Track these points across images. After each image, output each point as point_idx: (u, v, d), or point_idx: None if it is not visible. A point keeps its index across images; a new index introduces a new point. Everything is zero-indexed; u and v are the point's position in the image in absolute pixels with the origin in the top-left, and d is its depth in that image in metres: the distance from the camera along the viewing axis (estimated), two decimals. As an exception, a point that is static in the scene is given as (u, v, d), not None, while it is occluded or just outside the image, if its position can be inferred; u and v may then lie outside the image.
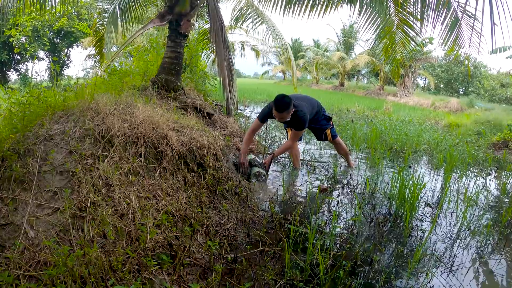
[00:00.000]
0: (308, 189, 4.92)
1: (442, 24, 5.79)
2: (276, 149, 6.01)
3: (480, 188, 5.90)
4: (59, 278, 2.30)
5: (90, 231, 2.70)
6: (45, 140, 3.45)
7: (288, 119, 5.19)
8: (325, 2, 7.28)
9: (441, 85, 42.86)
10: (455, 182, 6.14)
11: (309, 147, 8.19)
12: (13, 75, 30.78)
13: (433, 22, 5.22)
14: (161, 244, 2.88)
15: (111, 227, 2.78)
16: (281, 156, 6.87)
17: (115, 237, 2.74)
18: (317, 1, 7.31)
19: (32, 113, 3.86)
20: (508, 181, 6.72)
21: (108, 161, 3.42)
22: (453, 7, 5.73)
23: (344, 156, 6.48)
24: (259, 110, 15.60)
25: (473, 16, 5.66)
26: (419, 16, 5.89)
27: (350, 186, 5.39)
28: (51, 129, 3.62)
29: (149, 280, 2.51)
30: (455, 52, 6.37)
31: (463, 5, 5.60)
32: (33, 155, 3.23)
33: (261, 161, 5.58)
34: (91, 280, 2.29)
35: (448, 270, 3.30)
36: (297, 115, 5.23)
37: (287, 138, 5.97)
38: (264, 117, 5.47)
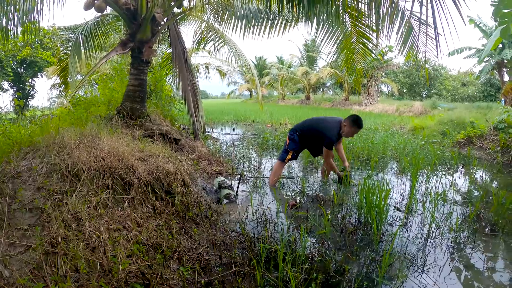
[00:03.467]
0: (277, 206, 5.00)
1: (397, 33, 5.99)
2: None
3: (448, 186, 6.09)
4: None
5: (63, 266, 2.73)
6: (13, 177, 3.45)
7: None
8: (283, 21, 7.45)
9: (404, 90, 43.68)
10: (423, 183, 6.32)
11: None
12: (-24, 108, 30.09)
13: (388, 32, 5.40)
14: (134, 274, 2.91)
15: (84, 261, 2.81)
16: (250, 175, 6.97)
17: (88, 270, 2.77)
18: (275, 21, 7.48)
19: (-2, 151, 3.86)
20: (474, 176, 6.95)
21: (76, 195, 3.44)
22: (406, 16, 5.93)
23: (328, 170, 6.66)
24: (227, 130, 15.67)
25: (425, 23, 5.88)
26: (374, 28, 6.08)
27: (318, 199, 5.48)
28: (18, 166, 3.63)
29: (124, 311, 2.55)
30: (413, 58, 6.58)
31: (409, 12, 5.83)
32: (2, 193, 3.23)
33: (230, 183, 5.66)
34: (66, 315, 2.33)
35: (421, 270, 3.41)
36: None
37: (286, 159, 6.45)
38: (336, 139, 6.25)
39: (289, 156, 6.30)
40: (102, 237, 3.10)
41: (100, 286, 2.65)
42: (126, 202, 3.79)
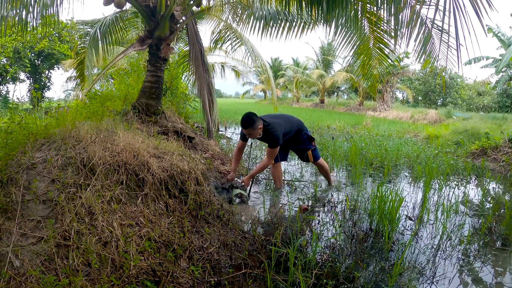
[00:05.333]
0: (289, 209, 4.98)
1: (415, 40, 5.95)
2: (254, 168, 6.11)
3: (460, 197, 6.04)
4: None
5: (75, 260, 2.74)
6: (28, 168, 3.47)
7: (259, 136, 5.51)
8: (301, 24, 7.45)
9: (419, 98, 43.36)
10: (435, 193, 6.27)
11: (290, 166, 8.26)
12: (-7, 97, 30.38)
13: (406, 38, 5.35)
14: (145, 270, 2.91)
15: (95, 256, 2.82)
16: (262, 177, 6.95)
17: (99, 265, 2.78)
18: (294, 23, 7.48)
19: (14, 141, 3.87)
20: (487, 188, 6.88)
21: (90, 189, 3.45)
22: (425, 23, 5.90)
23: (325, 176, 6.57)
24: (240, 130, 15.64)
25: (446, 32, 5.84)
26: (392, 34, 6.05)
27: (331, 204, 5.46)
28: (33, 157, 3.65)
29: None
30: (430, 65, 6.54)
31: (428, 19, 5.81)
32: (16, 184, 3.25)
33: (242, 183, 5.65)
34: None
35: (430, 282, 3.38)
36: (268, 132, 5.47)
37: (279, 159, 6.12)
38: (242, 135, 5.78)
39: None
40: (114, 233, 3.11)
41: (111, 281, 2.66)
42: (140, 199, 3.80)
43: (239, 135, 5.87)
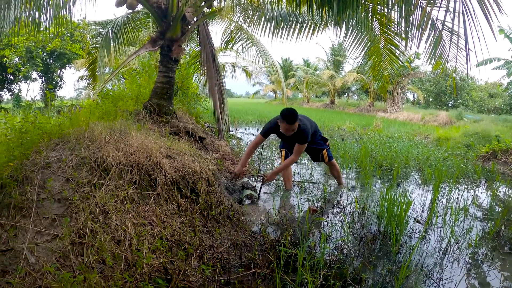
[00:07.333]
0: (298, 211, 5.02)
1: (426, 42, 5.97)
2: (277, 166, 6.11)
3: (469, 201, 6.03)
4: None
5: (90, 257, 2.79)
6: (43, 167, 3.54)
7: (292, 132, 5.41)
8: (312, 25, 7.49)
9: (430, 99, 43.07)
10: (444, 196, 6.26)
11: (299, 168, 8.28)
12: (5, 95, 30.71)
13: (417, 40, 5.36)
14: (157, 268, 2.96)
15: (109, 253, 2.87)
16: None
17: (113, 263, 2.83)
18: (304, 24, 7.52)
19: (28, 140, 3.94)
20: (497, 192, 6.86)
21: (104, 189, 3.51)
22: (436, 25, 5.90)
23: (337, 177, 6.61)
24: (251, 131, 15.65)
25: (456, 33, 5.84)
26: (403, 35, 6.06)
27: (340, 206, 5.49)
28: (48, 156, 3.71)
29: (146, 304, 2.61)
30: (441, 67, 6.53)
31: (439, 21, 5.80)
32: (31, 182, 3.32)
33: (253, 184, 5.69)
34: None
35: (437, 285, 3.39)
36: (300, 128, 5.45)
37: (281, 159, 6.15)
38: (266, 132, 5.72)
39: (282, 156, 6.24)
40: (127, 231, 3.17)
41: (124, 278, 2.71)
42: (152, 198, 3.85)
43: (261, 131, 5.77)
